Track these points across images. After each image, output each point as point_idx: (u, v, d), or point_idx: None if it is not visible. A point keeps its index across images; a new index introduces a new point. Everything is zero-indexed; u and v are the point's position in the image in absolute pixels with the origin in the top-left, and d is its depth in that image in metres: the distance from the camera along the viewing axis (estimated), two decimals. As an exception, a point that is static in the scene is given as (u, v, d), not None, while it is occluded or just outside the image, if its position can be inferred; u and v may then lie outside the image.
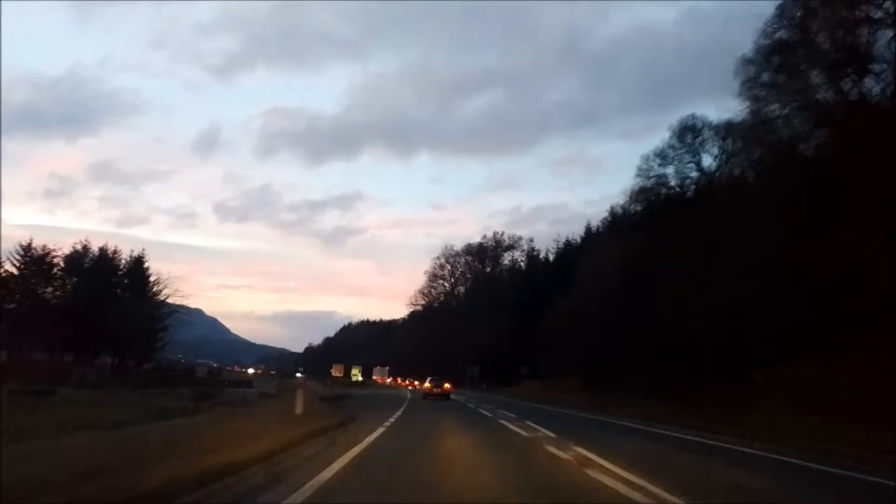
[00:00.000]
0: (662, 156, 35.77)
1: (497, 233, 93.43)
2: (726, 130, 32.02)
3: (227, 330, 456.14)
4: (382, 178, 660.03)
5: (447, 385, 37.99)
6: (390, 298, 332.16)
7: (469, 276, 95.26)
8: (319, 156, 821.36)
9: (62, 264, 54.89)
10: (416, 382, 67.76)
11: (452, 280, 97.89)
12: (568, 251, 64.90)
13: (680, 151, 35.20)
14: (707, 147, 34.92)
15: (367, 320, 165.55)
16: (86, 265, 56.55)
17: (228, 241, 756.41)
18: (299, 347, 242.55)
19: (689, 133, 34.77)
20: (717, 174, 34.20)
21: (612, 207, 52.06)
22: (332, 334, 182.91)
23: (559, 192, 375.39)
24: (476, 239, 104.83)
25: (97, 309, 52.26)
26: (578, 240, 64.77)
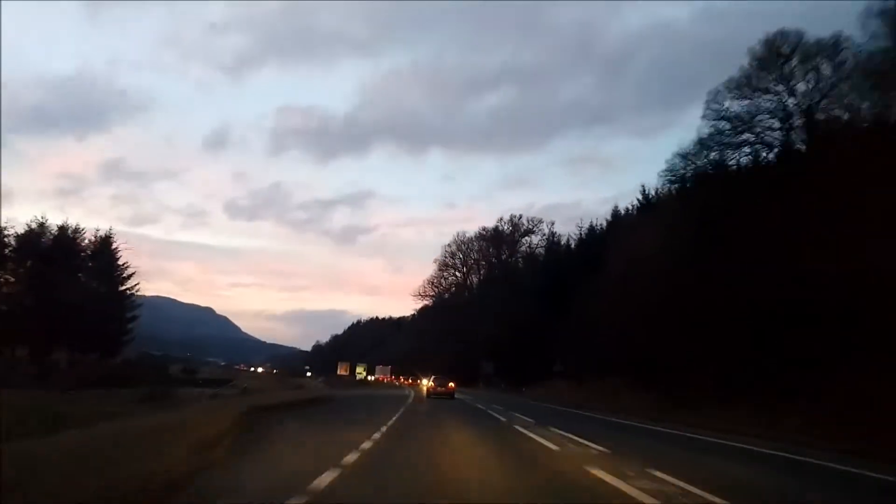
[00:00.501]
0: (738, 86, 27.26)
1: (514, 216, 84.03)
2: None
3: (238, 329, 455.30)
4: (394, 177, 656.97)
5: (451, 384, 36.54)
6: (401, 297, 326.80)
7: (483, 263, 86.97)
8: (330, 154, 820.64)
9: (14, 244, 47.47)
10: (423, 380, 60.89)
11: (465, 269, 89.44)
12: (593, 237, 56.57)
13: (765, 82, 26.64)
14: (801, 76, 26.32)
15: (377, 318, 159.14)
16: (42, 245, 49.06)
17: (239, 240, 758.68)
18: (309, 346, 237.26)
19: (779, 57, 26.15)
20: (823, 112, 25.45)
21: (643, 186, 45.69)
22: (340, 332, 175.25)
23: (573, 189, 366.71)
24: (491, 224, 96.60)
25: (52, 296, 44.89)
26: (604, 224, 56.62)
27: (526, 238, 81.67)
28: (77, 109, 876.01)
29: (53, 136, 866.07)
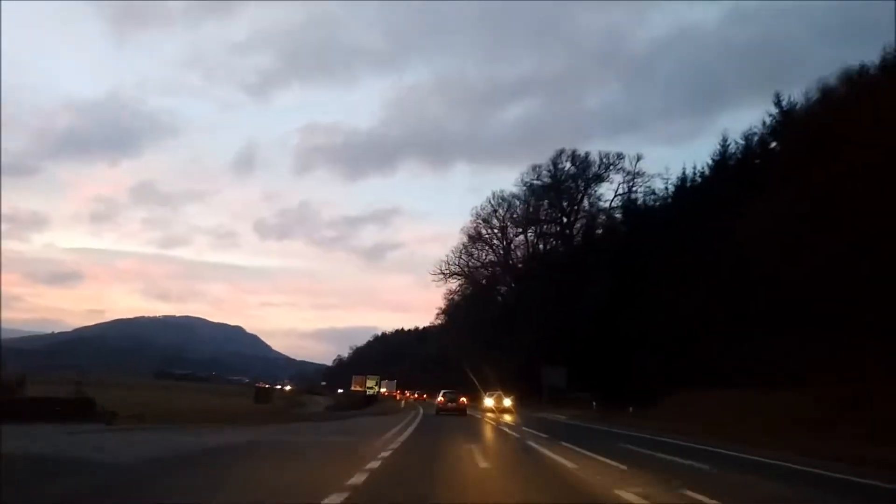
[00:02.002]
0: None
1: (577, 153, 59.65)
2: None
3: (268, 347, 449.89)
4: (420, 192, 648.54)
5: (463, 399, 34.91)
6: (430, 312, 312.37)
7: (532, 232, 64.83)
8: (356, 171, 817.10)
9: None
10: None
11: (505, 241, 66.89)
12: (686, 188, 39.58)
13: None
14: None
15: (402, 329, 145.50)
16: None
17: (269, 260, 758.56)
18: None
19: None
20: None
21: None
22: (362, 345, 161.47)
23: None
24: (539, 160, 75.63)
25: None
26: (705, 168, 39.70)
27: (597, 187, 59.83)
28: (108, 134, 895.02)
29: (87, 161, 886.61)
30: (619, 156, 58.62)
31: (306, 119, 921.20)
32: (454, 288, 68.91)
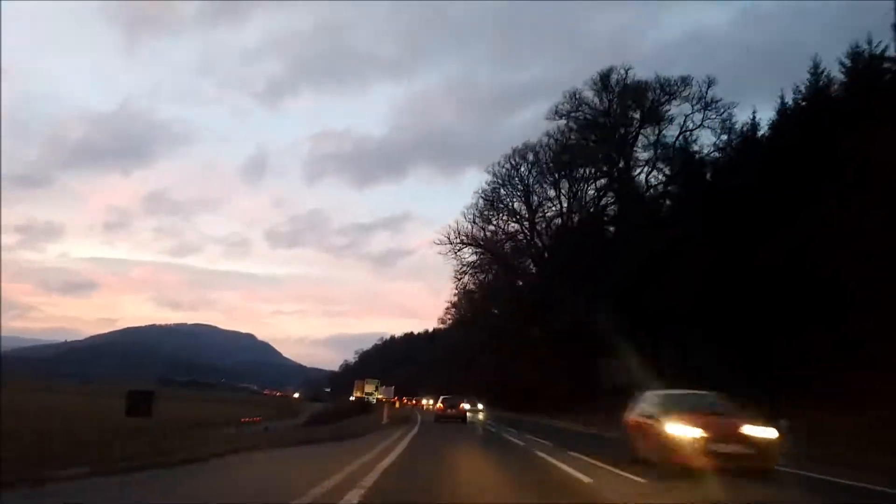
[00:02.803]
0: None
1: (617, 70, 46.12)
2: None
3: (279, 354, 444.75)
4: (430, 198, 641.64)
5: (462, 405, 33.26)
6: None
7: (571, 186, 50.60)
8: (367, 178, 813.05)
9: None
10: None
11: (530, 203, 52.76)
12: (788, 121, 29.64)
13: None
14: None
15: (412, 333, 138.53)
16: None
17: (281, 267, 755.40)
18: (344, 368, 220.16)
19: None
20: None
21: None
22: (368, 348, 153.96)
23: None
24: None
25: None
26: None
27: (649, 130, 45.16)
28: (120, 143, 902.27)
29: (100, 171, 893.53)
30: (685, 80, 43.35)
31: (317, 126, 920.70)
32: (470, 260, 54.40)
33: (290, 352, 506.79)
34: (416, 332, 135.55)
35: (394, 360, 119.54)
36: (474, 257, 54.27)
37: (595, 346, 32.55)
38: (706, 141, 42.24)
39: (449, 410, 31.01)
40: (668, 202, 41.46)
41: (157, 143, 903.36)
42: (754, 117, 33.13)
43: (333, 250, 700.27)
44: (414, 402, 72.93)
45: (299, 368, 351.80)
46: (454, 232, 52.16)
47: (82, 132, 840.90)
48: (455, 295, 61.05)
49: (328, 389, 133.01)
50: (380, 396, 63.12)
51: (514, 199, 53.57)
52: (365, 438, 15.70)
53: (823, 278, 18.78)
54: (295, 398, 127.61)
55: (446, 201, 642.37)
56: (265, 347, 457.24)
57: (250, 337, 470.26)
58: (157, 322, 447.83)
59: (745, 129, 34.69)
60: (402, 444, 13.96)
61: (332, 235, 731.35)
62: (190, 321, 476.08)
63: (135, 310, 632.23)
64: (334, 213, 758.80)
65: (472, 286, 57.44)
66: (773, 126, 30.79)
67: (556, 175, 51.02)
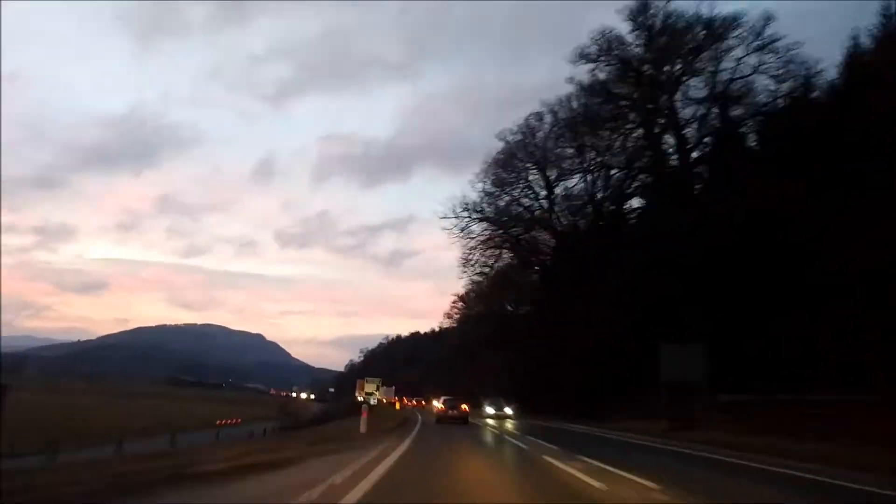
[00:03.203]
0: None
1: (669, 12, 37.40)
2: None
3: (288, 355, 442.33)
4: (436, 198, 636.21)
5: (464, 406, 31.69)
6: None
7: (593, 151, 43.49)
8: (373, 179, 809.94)
9: None
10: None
11: (546, 175, 45.95)
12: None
13: None
14: None
15: (418, 332, 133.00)
16: None
17: (290, 268, 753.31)
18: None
19: None
20: None
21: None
22: (374, 347, 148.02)
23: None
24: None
25: None
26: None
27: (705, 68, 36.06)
28: (131, 146, 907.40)
29: (112, 173, 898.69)
30: (736, 18, 34.84)
31: (324, 129, 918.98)
32: (480, 237, 47.98)
33: (298, 352, 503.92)
34: (423, 332, 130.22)
35: (399, 359, 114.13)
36: (486, 234, 48.07)
37: (652, 331, 25.94)
38: (762, 88, 34.50)
39: (450, 412, 30.89)
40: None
41: (167, 146, 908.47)
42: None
43: (341, 251, 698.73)
44: (415, 402, 70.17)
45: (307, 369, 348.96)
46: (461, 204, 46.28)
47: (94, 136, 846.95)
48: (465, 275, 52.87)
49: (332, 390, 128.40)
50: (380, 397, 57.56)
51: (528, 170, 46.42)
52: (311, 466, 9.52)
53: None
54: (303, 399, 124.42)
55: (452, 202, 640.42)
56: (274, 348, 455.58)
57: (259, 337, 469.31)
58: (168, 322, 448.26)
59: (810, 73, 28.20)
60: (364, 482, 7.78)
61: (340, 236, 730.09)
62: (200, 321, 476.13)
63: (146, 310, 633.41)
64: (342, 215, 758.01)
65: (482, 270, 50.92)
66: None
67: (574, 136, 43.59)
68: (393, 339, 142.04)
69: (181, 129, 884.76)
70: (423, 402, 67.38)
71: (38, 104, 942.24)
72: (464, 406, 31.74)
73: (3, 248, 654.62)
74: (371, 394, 54.22)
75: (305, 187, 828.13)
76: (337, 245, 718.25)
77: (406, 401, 70.92)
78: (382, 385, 61.94)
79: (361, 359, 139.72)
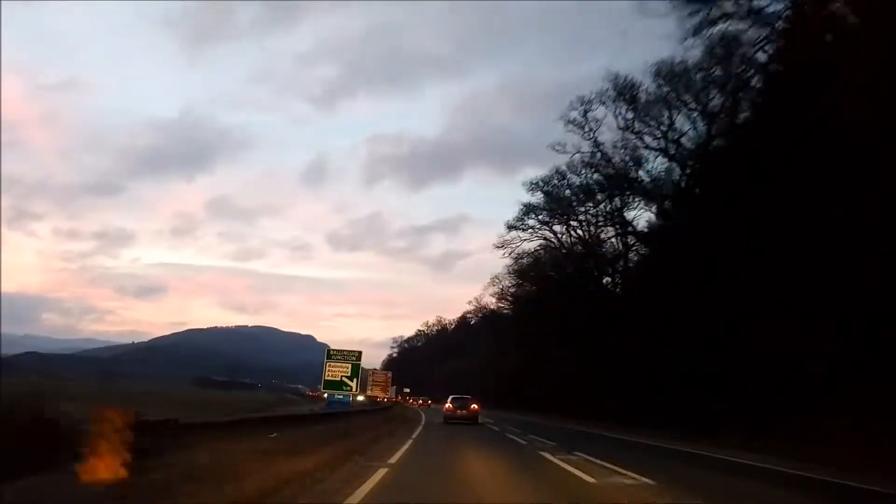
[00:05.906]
0: None
1: None
2: None
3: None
4: (487, 198, 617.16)
5: (474, 406, 31.53)
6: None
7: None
8: (423, 180, 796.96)
9: None
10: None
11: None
12: None
13: None
14: None
15: (465, 316, 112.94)
16: None
17: (342, 271, 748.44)
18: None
19: None
20: None
21: None
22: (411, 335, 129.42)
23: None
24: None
25: None
26: None
27: None
28: (184, 150, 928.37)
29: (165, 178, 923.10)
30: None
31: (372, 129, 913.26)
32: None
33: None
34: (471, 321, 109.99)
35: (437, 353, 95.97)
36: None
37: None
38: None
39: (459, 411, 31.00)
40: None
41: (217, 150, 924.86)
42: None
43: (392, 253, 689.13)
44: (421, 402, 68.38)
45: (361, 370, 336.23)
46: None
47: (148, 141, 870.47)
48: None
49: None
50: (383, 395, 50.48)
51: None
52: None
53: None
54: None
55: (503, 202, 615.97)
56: (324, 349, 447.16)
57: (310, 338, 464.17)
58: (220, 325, 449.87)
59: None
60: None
61: (391, 238, 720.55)
62: (252, 324, 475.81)
63: (202, 313, 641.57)
64: (393, 217, 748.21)
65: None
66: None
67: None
68: (439, 328, 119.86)
69: (231, 132, 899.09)
70: (430, 402, 64.93)
71: (95, 111, 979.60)
72: (474, 405, 31.61)
73: (68, 254, 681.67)
74: (343, 384, 35.60)
75: (356, 189, 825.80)
76: (388, 247, 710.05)
77: (413, 400, 66.62)
78: (405, 388, 51.63)
79: (396, 353, 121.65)
